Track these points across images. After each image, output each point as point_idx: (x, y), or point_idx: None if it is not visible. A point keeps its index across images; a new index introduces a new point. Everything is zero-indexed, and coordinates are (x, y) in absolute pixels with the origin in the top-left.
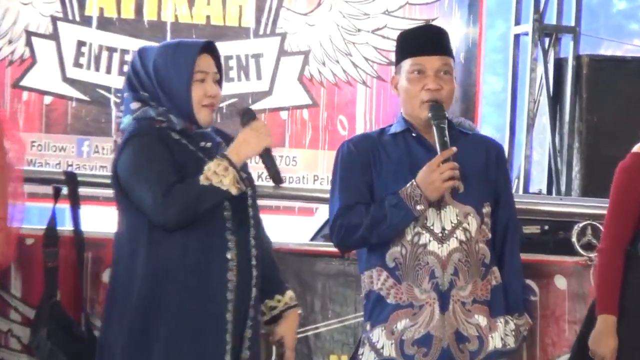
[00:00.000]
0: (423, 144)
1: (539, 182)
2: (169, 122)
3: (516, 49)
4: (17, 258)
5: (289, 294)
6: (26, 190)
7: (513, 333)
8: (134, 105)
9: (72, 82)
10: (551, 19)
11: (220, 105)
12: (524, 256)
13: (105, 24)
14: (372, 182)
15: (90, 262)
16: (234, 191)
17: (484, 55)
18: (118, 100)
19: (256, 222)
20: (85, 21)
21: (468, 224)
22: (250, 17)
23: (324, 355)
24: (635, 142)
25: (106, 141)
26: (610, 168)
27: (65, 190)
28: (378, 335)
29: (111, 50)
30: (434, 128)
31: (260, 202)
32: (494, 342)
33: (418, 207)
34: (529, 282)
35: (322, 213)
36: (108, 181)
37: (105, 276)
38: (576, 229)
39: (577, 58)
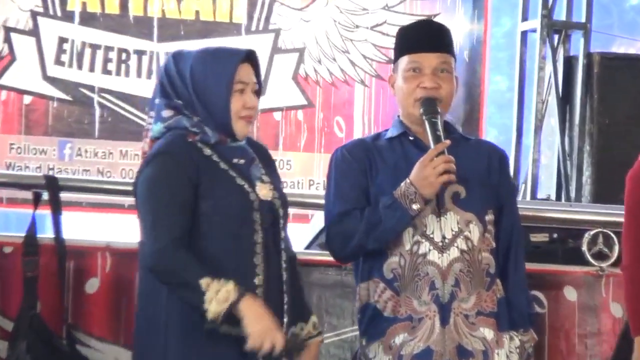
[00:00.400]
0: (421, 147)
1: (548, 187)
2: (203, 135)
3: (523, 47)
4: None
5: (313, 320)
6: (5, 195)
7: (517, 350)
8: (166, 113)
9: (53, 81)
10: (560, 14)
11: None
12: (532, 266)
13: (88, 19)
14: (368, 189)
15: (72, 272)
16: (210, 313)
17: (489, 53)
18: (101, 100)
19: (287, 244)
20: (67, 16)
21: (470, 232)
22: (242, 13)
23: None
24: None
25: (89, 143)
26: (623, 172)
27: (45, 196)
28: (375, 350)
29: (94, 47)
30: (426, 123)
31: None
32: (500, 359)
33: (414, 206)
34: (536, 293)
35: (318, 220)
36: (91, 185)
37: (88, 286)
38: (587, 237)
39: (588, 56)
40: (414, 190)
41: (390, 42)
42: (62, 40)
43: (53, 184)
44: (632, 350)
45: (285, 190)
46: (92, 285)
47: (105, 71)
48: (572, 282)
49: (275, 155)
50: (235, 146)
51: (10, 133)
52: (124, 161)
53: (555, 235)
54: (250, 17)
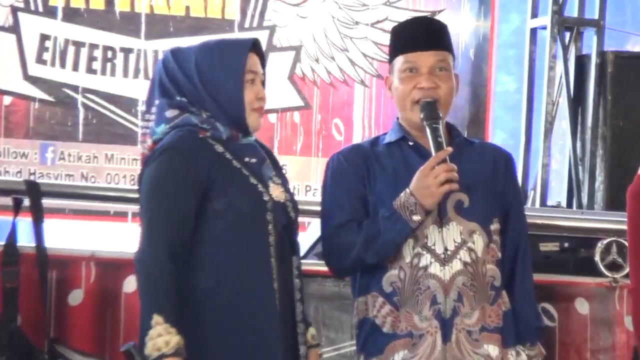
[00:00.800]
0: (421, 153)
1: (558, 193)
2: (214, 130)
3: (533, 45)
4: None
5: (311, 332)
6: None
7: None
8: (170, 112)
9: (35, 81)
10: (572, 11)
11: None
12: (541, 277)
13: (71, 15)
14: (366, 197)
15: (54, 283)
16: (146, 349)
17: (497, 52)
18: (86, 101)
19: (298, 250)
20: (50, 12)
21: (473, 243)
22: (235, 8)
23: None
24: None
25: (72, 147)
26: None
27: (26, 202)
28: None
29: (78, 44)
30: (427, 129)
31: None
32: None
33: (414, 218)
34: (546, 306)
35: (315, 228)
36: (75, 191)
37: (72, 298)
38: (599, 246)
39: (601, 54)
40: (414, 200)
41: None
42: (44, 38)
43: (34, 190)
44: None
45: None
46: (76, 297)
47: (90, 70)
48: (583, 294)
49: None
50: (246, 144)
51: None
52: (109, 165)
53: (566, 245)
54: (243, 13)
